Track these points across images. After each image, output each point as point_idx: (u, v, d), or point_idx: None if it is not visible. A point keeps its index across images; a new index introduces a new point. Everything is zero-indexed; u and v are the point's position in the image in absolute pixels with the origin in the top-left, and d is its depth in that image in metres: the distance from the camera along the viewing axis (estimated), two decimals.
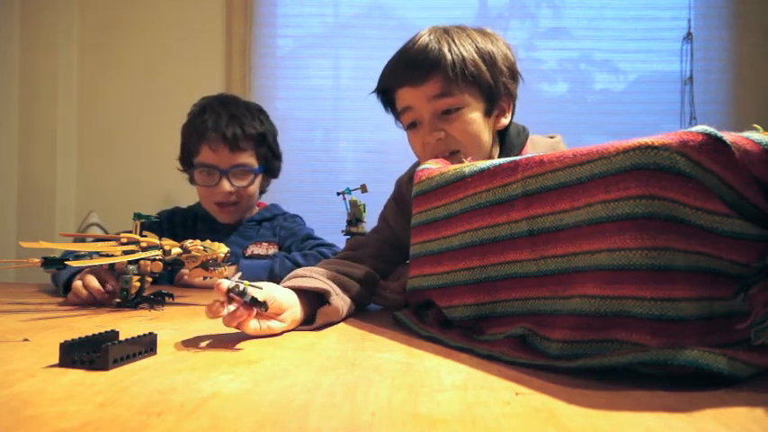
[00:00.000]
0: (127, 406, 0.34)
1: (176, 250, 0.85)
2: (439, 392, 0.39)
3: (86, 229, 1.77)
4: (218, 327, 0.58)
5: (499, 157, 0.91)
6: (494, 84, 0.86)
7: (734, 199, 0.44)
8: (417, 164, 0.95)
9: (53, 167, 1.97)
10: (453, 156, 0.85)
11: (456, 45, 0.84)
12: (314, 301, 0.69)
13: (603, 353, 0.44)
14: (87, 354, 0.44)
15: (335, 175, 2.00)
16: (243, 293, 0.56)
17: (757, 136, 0.44)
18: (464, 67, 0.83)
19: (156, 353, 0.50)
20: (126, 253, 0.82)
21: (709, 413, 0.34)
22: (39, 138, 1.97)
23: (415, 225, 0.70)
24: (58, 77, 1.98)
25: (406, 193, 0.96)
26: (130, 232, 0.87)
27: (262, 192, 1.43)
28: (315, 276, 0.74)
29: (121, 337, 0.49)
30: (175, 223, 1.38)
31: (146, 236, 0.87)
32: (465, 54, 0.83)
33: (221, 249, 0.86)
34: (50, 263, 0.83)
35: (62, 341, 0.45)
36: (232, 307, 0.57)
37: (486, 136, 0.88)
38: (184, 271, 1.17)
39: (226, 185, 1.28)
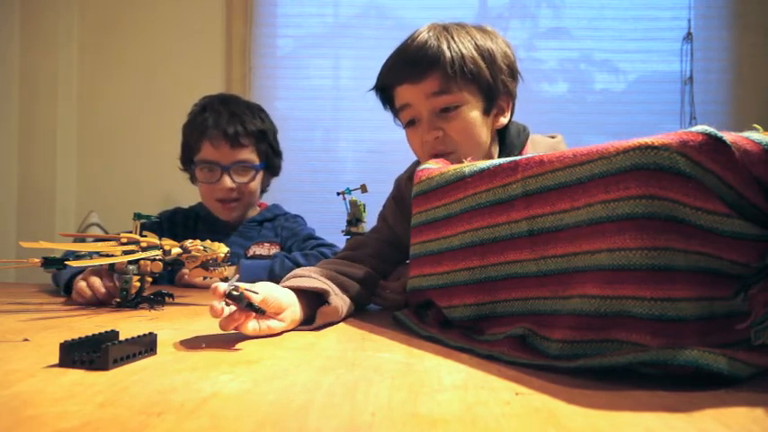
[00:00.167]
0: (127, 406, 0.34)
1: (176, 250, 0.85)
2: (439, 392, 0.39)
3: (86, 229, 1.77)
4: (218, 327, 0.58)
5: (499, 156, 0.91)
6: (493, 82, 0.85)
7: (734, 199, 0.44)
8: (417, 162, 0.95)
9: (53, 167, 1.97)
10: (452, 155, 0.84)
11: (455, 42, 0.83)
12: (313, 301, 0.69)
13: (603, 353, 0.44)
14: (87, 354, 0.44)
15: (335, 175, 2.00)
16: (239, 299, 0.56)
17: (757, 136, 0.44)
18: (463, 64, 0.82)
19: (156, 353, 0.50)
20: (126, 253, 0.82)
21: (709, 413, 0.34)
22: (39, 138, 1.97)
23: (415, 225, 0.70)
24: (58, 77, 1.98)
25: (405, 192, 0.95)
26: (130, 232, 0.87)
27: (263, 191, 1.44)
28: (314, 276, 0.74)
29: (121, 337, 0.49)
30: (176, 223, 1.38)
31: (146, 236, 0.87)
32: (464, 51, 0.83)
33: (221, 249, 0.86)
34: (50, 263, 0.83)
35: (62, 341, 0.45)
36: (229, 309, 0.57)
37: (484, 135, 0.88)
38: (185, 271, 1.17)
39: (227, 181, 1.29)
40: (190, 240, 0.86)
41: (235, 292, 0.56)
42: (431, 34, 0.84)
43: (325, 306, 0.69)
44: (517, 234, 0.54)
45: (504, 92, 0.88)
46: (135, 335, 0.49)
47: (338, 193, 1.17)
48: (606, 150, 0.46)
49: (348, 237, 1.08)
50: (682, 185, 0.42)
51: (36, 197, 1.97)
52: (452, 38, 0.84)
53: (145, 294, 0.85)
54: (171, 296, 0.87)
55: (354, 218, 1.12)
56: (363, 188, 1.14)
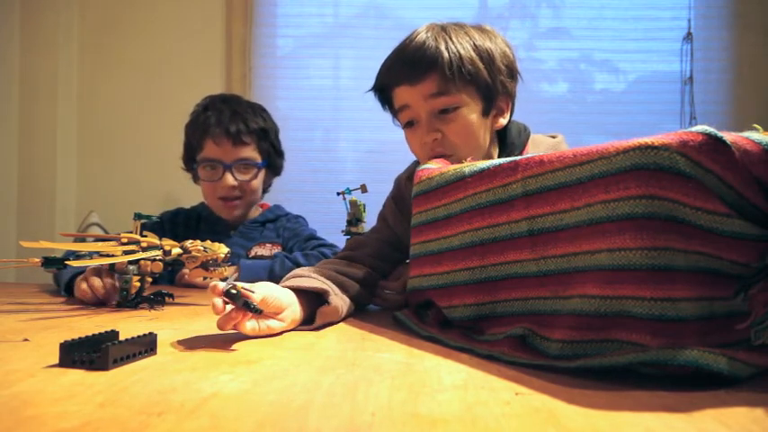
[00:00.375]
0: (127, 406, 0.34)
1: (176, 250, 0.85)
2: (439, 392, 0.39)
3: (86, 229, 1.77)
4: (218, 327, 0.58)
5: (499, 156, 0.91)
6: (491, 83, 0.84)
7: (734, 199, 0.44)
8: (417, 162, 0.94)
9: (53, 167, 1.97)
10: (452, 158, 0.84)
11: (453, 43, 0.83)
12: (313, 301, 0.69)
13: (603, 353, 0.44)
14: (87, 354, 0.44)
15: (335, 175, 2.00)
16: (236, 297, 0.56)
17: (757, 136, 0.44)
18: (461, 65, 0.82)
19: (156, 353, 0.50)
20: (126, 253, 0.82)
21: (709, 413, 0.34)
22: (39, 138, 1.97)
23: (415, 225, 0.70)
24: (58, 77, 1.98)
25: (404, 192, 0.95)
26: (131, 232, 0.87)
27: (265, 190, 1.44)
28: (313, 276, 0.74)
29: (121, 337, 0.49)
30: (178, 224, 1.38)
31: (146, 236, 0.87)
32: (462, 52, 0.82)
33: (221, 250, 0.86)
34: (51, 263, 0.83)
35: (62, 341, 0.45)
36: (229, 307, 0.57)
37: (483, 136, 0.87)
38: (185, 271, 1.17)
39: (229, 179, 1.29)
40: (190, 240, 0.86)
41: (232, 291, 0.56)
42: (429, 35, 0.84)
43: (325, 306, 0.69)
44: (517, 234, 0.54)
45: (503, 92, 0.87)
46: (135, 335, 0.49)
47: (338, 193, 1.17)
48: (606, 150, 0.46)
49: (348, 237, 1.08)
50: (682, 185, 0.42)
51: (36, 197, 1.97)
52: (450, 38, 0.83)
53: (145, 294, 0.85)
54: (171, 296, 0.87)
55: (354, 218, 1.12)
56: (363, 188, 1.14)
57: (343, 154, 2.07)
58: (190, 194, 1.49)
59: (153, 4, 2.03)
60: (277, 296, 0.62)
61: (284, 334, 0.63)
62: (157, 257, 0.84)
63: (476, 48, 0.84)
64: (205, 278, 0.89)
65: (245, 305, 0.56)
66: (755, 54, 1.96)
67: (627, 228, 0.43)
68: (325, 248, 1.26)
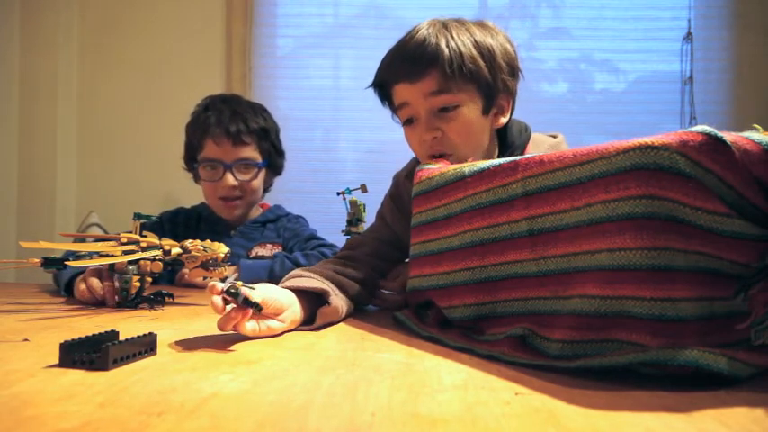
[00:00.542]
0: (127, 406, 0.34)
1: (176, 250, 0.85)
2: (439, 392, 0.39)
3: (86, 229, 1.77)
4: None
5: (500, 155, 0.91)
6: (492, 81, 0.83)
7: (734, 199, 0.44)
8: (415, 159, 0.94)
9: (53, 167, 1.97)
10: (451, 157, 0.84)
11: (454, 40, 0.82)
12: (313, 301, 0.69)
13: (603, 353, 0.44)
14: (87, 354, 0.44)
15: (335, 175, 2.00)
16: (236, 294, 0.56)
17: (757, 136, 0.44)
18: (462, 63, 0.80)
19: (156, 353, 0.50)
20: (126, 253, 0.82)
21: (709, 413, 0.34)
22: (39, 138, 1.97)
23: (415, 225, 0.70)
24: (58, 77, 1.98)
25: (402, 190, 0.95)
26: (131, 232, 0.87)
27: (265, 190, 1.44)
28: (313, 277, 0.74)
29: (121, 337, 0.49)
30: (178, 224, 1.38)
31: (146, 236, 0.87)
32: (463, 50, 0.81)
33: (221, 249, 0.86)
34: (50, 263, 0.83)
35: (62, 341, 0.45)
36: (230, 306, 0.57)
37: (483, 135, 0.87)
38: (185, 271, 1.17)
39: (230, 179, 1.30)
40: (190, 240, 0.86)
41: (232, 289, 0.56)
42: (430, 31, 0.83)
43: (326, 306, 0.69)
44: (517, 234, 0.54)
45: (504, 91, 0.86)
46: (135, 335, 0.49)
47: (338, 193, 1.17)
48: (606, 150, 0.46)
49: (348, 237, 1.09)
50: (682, 185, 0.42)
51: (36, 197, 1.97)
52: (451, 36, 0.82)
53: (145, 294, 0.85)
54: (171, 296, 0.87)
55: (354, 218, 1.12)
56: (363, 188, 1.14)
57: (343, 154, 2.07)
58: (190, 194, 1.49)
59: (153, 4, 2.03)
60: (276, 297, 0.62)
61: (284, 334, 0.63)
62: (157, 257, 0.84)
63: (477, 45, 0.83)
64: (205, 278, 0.89)
65: (245, 302, 0.56)
66: (755, 54, 1.96)
67: (627, 228, 0.43)
68: (326, 248, 1.26)
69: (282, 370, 0.45)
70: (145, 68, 2.02)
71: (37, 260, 0.82)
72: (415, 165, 0.94)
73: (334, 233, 1.31)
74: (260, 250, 1.33)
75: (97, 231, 1.77)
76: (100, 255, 0.81)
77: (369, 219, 1.11)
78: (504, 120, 0.89)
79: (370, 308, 0.89)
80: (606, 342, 0.44)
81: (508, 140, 0.91)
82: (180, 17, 2.03)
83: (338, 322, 0.72)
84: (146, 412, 0.33)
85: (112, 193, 1.99)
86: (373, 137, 1.99)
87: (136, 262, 0.83)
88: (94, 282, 0.87)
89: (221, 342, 0.56)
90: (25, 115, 1.97)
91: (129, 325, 0.68)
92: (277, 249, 1.33)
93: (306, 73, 2.06)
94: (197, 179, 1.38)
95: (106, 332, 0.51)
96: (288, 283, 0.69)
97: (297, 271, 0.78)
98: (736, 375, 0.39)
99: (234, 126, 1.28)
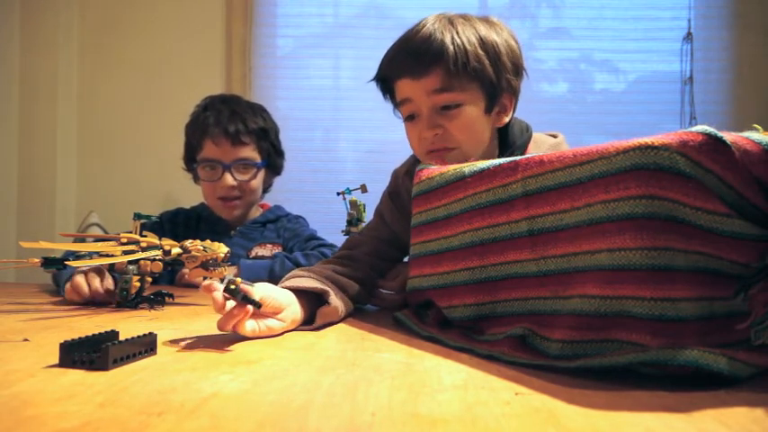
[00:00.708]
0: (127, 406, 0.34)
1: (176, 250, 0.85)
2: (439, 392, 0.39)
3: (86, 229, 1.77)
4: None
5: (500, 154, 0.90)
6: (496, 80, 0.83)
7: (734, 199, 0.44)
8: (415, 156, 0.94)
9: (53, 167, 1.97)
10: (454, 152, 0.83)
11: (459, 37, 0.80)
12: (313, 301, 0.69)
13: (603, 353, 0.44)
14: (87, 354, 0.44)
15: (335, 175, 2.00)
16: (235, 291, 0.56)
17: (757, 136, 0.44)
18: (466, 61, 0.80)
19: (156, 353, 0.50)
20: (126, 253, 0.82)
21: (709, 413, 0.34)
22: (39, 138, 1.97)
23: (415, 225, 0.70)
24: (58, 77, 1.98)
25: (401, 186, 0.94)
26: (131, 232, 0.87)
27: (265, 190, 1.44)
28: (312, 277, 0.74)
29: (121, 337, 0.49)
30: (177, 224, 1.38)
31: (146, 236, 0.87)
32: (468, 48, 0.80)
33: (221, 249, 0.86)
34: (50, 263, 0.83)
35: (62, 341, 0.45)
36: (231, 304, 0.57)
37: (484, 133, 0.86)
38: (185, 271, 1.17)
39: (228, 179, 1.30)
40: (190, 240, 0.86)
41: (231, 286, 0.56)
42: (436, 26, 0.81)
43: (326, 306, 0.69)
44: (517, 234, 0.54)
45: (508, 90, 0.85)
46: (135, 335, 0.49)
47: (338, 193, 1.17)
48: (606, 150, 0.46)
49: (348, 237, 1.09)
50: (682, 185, 0.42)
51: (36, 197, 1.97)
52: (457, 33, 0.81)
53: (145, 294, 0.85)
54: (171, 296, 0.87)
55: (354, 218, 1.12)
56: (363, 188, 1.14)
57: (343, 154, 2.07)
58: (190, 194, 1.49)
59: (153, 4, 2.03)
60: (275, 296, 0.61)
61: (284, 334, 0.63)
62: (157, 257, 0.84)
63: (482, 43, 0.82)
64: (205, 278, 0.89)
65: (245, 299, 0.56)
66: (755, 54, 1.96)
67: (627, 228, 0.43)
68: (326, 248, 1.26)
69: (282, 370, 0.45)
70: (145, 68, 2.02)
71: (37, 260, 0.82)
72: (413, 161, 0.94)
73: (334, 233, 1.31)
74: (260, 250, 1.33)
75: (97, 231, 1.77)
76: (100, 255, 0.81)
77: (369, 219, 1.11)
78: (506, 119, 0.88)
79: (370, 308, 0.89)
80: (606, 342, 0.44)
81: (509, 140, 0.90)
82: (180, 17, 2.03)
83: (338, 322, 0.72)
84: (146, 412, 0.33)
85: (112, 193, 2.00)
86: (373, 137, 1.99)
87: (136, 262, 0.83)
88: (95, 278, 0.87)
89: (221, 342, 0.56)
90: (25, 115, 1.97)
91: (129, 325, 0.68)
92: (277, 249, 1.33)
93: (306, 73, 2.06)
94: (196, 179, 1.38)
95: (106, 332, 0.51)
96: (287, 284, 0.69)
97: (296, 271, 0.78)
98: (736, 375, 0.39)
99: (233, 126, 1.28)
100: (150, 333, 0.50)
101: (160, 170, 1.92)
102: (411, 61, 0.82)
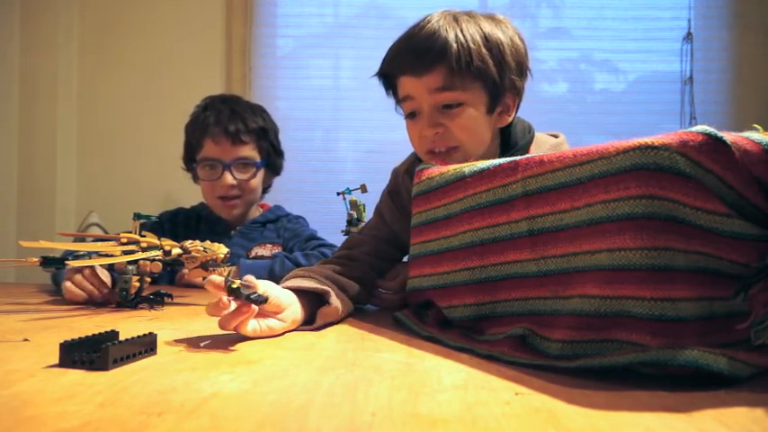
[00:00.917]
0: (127, 406, 0.34)
1: (176, 251, 0.85)
2: (439, 392, 0.39)
3: (86, 229, 1.77)
4: (217, 327, 0.58)
5: (502, 154, 0.90)
6: (499, 80, 0.82)
7: (734, 199, 0.44)
8: (414, 154, 0.93)
9: (53, 167, 1.97)
10: (456, 150, 0.83)
11: (463, 35, 0.79)
12: (313, 301, 0.69)
13: (603, 353, 0.44)
14: (87, 354, 0.44)
15: (335, 175, 1.99)
16: (237, 291, 0.56)
17: (757, 136, 0.44)
18: (470, 60, 0.78)
19: (156, 353, 0.50)
20: (126, 253, 0.82)
21: (709, 413, 0.34)
22: (39, 138, 1.97)
23: (415, 225, 0.70)
24: (58, 77, 1.98)
25: (401, 185, 0.94)
26: (130, 232, 0.87)
27: (265, 190, 1.44)
28: (313, 277, 0.74)
29: (121, 337, 0.49)
30: (177, 224, 1.38)
31: (145, 236, 0.87)
32: (472, 46, 0.79)
33: (221, 250, 0.86)
34: (50, 262, 0.83)
35: (62, 341, 0.45)
36: (233, 305, 0.57)
37: (486, 133, 0.85)
38: (184, 271, 1.17)
39: (228, 178, 1.30)
40: (189, 241, 0.86)
41: (233, 286, 0.56)
42: (440, 24, 0.80)
43: (326, 306, 0.69)
44: (517, 234, 0.54)
45: (511, 90, 0.85)
46: (135, 335, 0.49)
47: (338, 193, 1.17)
48: (606, 150, 0.46)
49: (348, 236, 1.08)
50: (682, 185, 0.42)
51: (36, 197, 1.97)
52: (461, 30, 0.80)
53: (144, 294, 0.85)
54: (170, 296, 0.87)
55: (354, 218, 1.12)
56: (363, 188, 1.14)
57: (343, 154, 2.07)
58: (190, 194, 1.49)
59: (153, 4, 2.03)
60: (277, 296, 0.61)
61: (284, 334, 0.63)
62: (157, 257, 0.84)
63: (486, 42, 0.80)
64: (205, 278, 0.89)
65: (248, 298, 0.56)
66: (755, 54, 1.96)
67: (627, 228, 0.43)
68: (326, 248, 1.26)
69: (282, 370, 0.45)
70: (145, 68, 2.02)
71: (36, 260, 0.82)
72: (414, 160, 0.94)
73: (334, 233, 1.31)
74: (260, 250, 1.33)
75: (97, 231, 1.77)
76: (99, 255, 0.81)
77: (368, 219, 1.11)
78: (508, 118, 0.88)
79: (370, 308, 0.89)
80: (606, 342, 0.44)
81: (512, 140, 0.90)
82: (180, 17, 2.03)
83: (338, 322, 0.72)
84: (146, 412, 0.33)
85: (112, 193, 1.99)
86: (373, 137, 1.99)
87: (135, 262, 0.83)
88: (77, 278, 0.87)
89: (221, 342, 0.56)
90: (25, 115, 1.97)
91: (129, 325, 0.68)
92: (277, 249, 1.33)
93: (306, 73, 2.06)
94: (196, 179, 1.38)
95: (106, 332, 0.51)
96: (288, 284, 0.69)
97: (296, 271, 0.78)
98: (736, 375, 0.39)
99: (233, 125, 1.28)
100: (150, 333, 0.50)
101: (160, 170, 1.92)
102: (413, 58, 0.81)
